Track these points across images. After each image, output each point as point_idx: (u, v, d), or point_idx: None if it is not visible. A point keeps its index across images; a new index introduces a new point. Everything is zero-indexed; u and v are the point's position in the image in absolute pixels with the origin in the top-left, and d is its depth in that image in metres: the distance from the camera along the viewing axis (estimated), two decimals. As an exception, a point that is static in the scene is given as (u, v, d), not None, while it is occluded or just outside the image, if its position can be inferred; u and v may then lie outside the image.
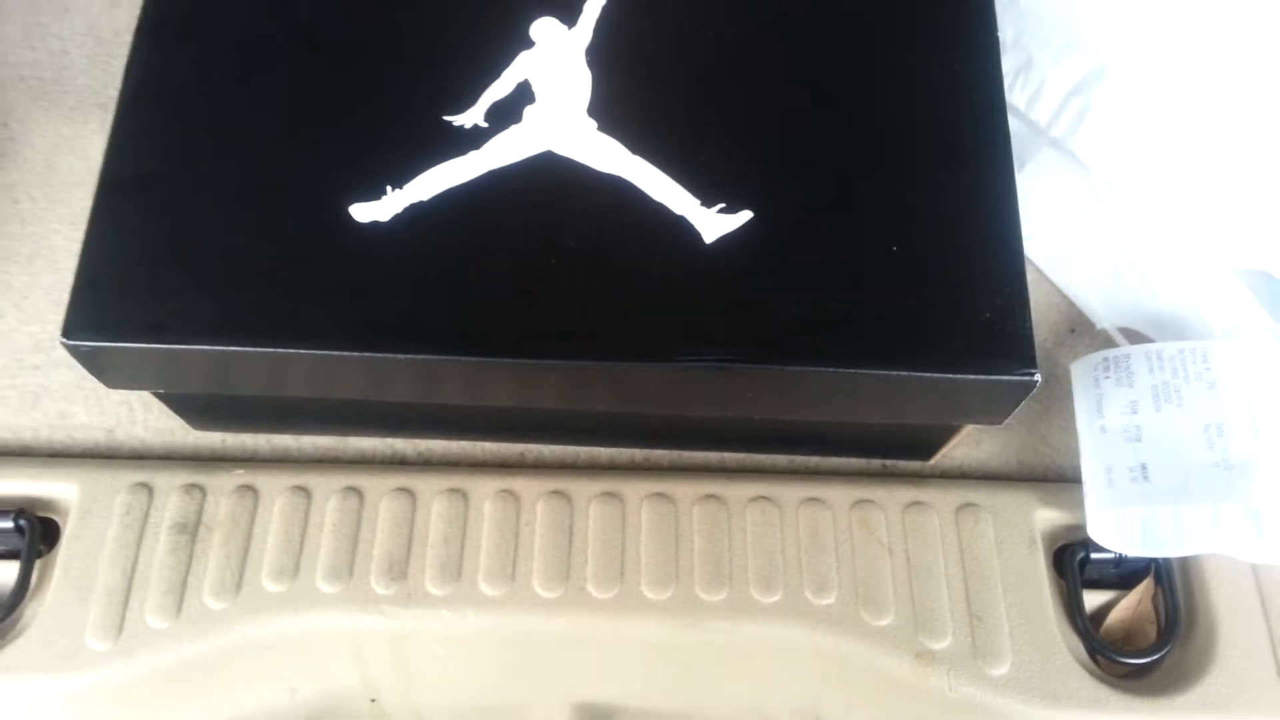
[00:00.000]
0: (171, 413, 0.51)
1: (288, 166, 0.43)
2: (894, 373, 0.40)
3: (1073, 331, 0.54)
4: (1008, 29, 0.52)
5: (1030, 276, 0.54)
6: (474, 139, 0.43)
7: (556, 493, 0.49)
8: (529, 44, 0.45)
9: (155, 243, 0.41)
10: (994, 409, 0.42)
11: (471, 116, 0.44)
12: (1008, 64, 0.52)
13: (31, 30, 0.63)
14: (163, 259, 0.41)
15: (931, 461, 0.51)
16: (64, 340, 0.40)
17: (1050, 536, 0.49)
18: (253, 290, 0.41)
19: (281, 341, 0.40)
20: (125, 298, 0.40)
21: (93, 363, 0.42)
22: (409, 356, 0.41)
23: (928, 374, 0.40)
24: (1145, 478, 0.43)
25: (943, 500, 0.49)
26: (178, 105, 0.44)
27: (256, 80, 0.45)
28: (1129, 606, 0.48)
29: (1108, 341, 0.53)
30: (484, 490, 0.49)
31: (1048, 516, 0.49)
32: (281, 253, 0.41)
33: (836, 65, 0.45)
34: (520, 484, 0.49)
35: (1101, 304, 0.53)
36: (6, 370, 0.53)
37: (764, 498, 0.49)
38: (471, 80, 0.44)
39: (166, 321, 0.40)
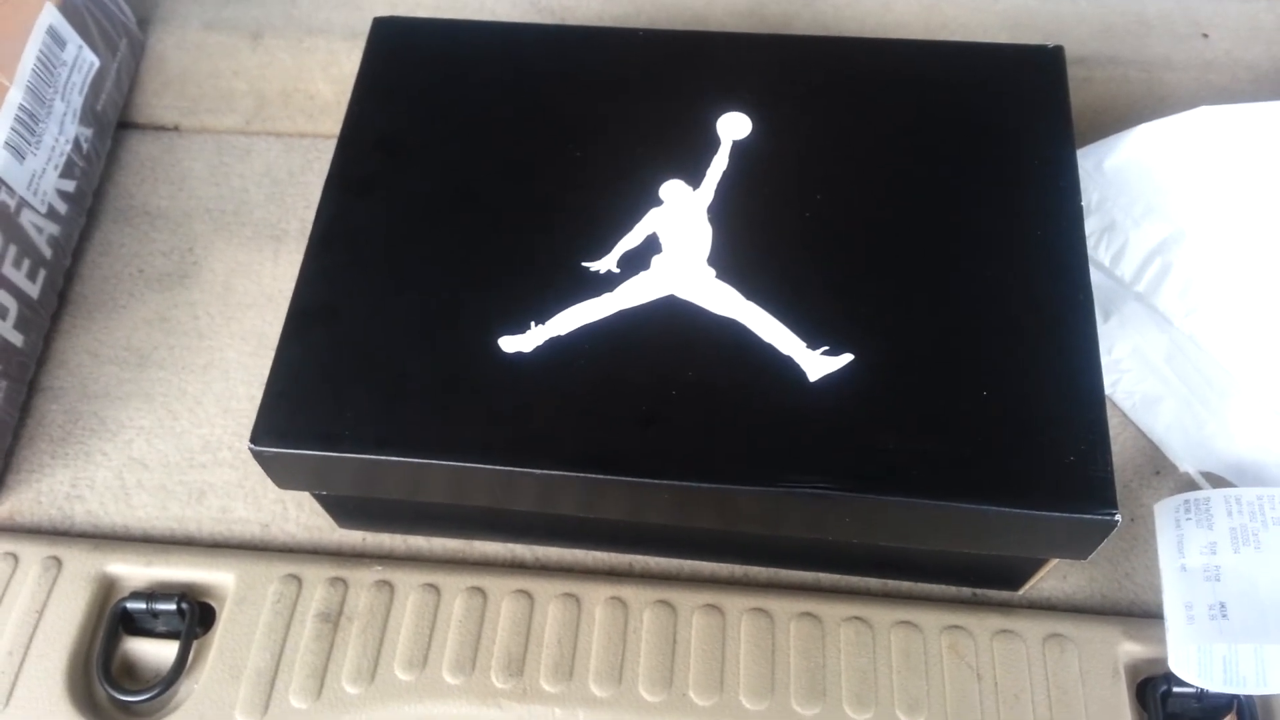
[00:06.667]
0: (321, 511, 0.56)
1: (448, 303, 0.48)
2: (983, 507, 0.43)
3: (1157, 473, 0.57)
4: (1092, 194, 0.56)
5: (1116, 420, 0.58)
6: (608, 283, 0.49)
7: (662, 602, 0.53)
8: (658, 202, 0.51)
9: (334, 365, 0.47)
10: (1078, 545, 0.45)
11: (606, 263, 0.49)
12: (1092, 224, 0.56)
13: (217, 169, 0.71)
14: (339, 379, 0.47)
15: (1020, 592, 0.53)
16: (251, 446, 0.46)
17: (1133, 669, 0.51)
18: (413, 408, 0.46)
19: (433, 454, 0.45)
20: (305, 411, 0.46)
21: (270, 465, 0.48)
22: (536, 471, 0.45)
23: (1015, 509, 0.43)
24: (1224, 616, 0.45)
25: (1030, 630, 0.51)
26: (358, 248, 0.50)
27: (424, 229, 0.51)
28: (1212, 743, 0.49)
29: (1190, 484, 0.55)
30: (595, 596, 0.53)
31: (1131, 650, 0.51)
32: (439, 377, 0.47)
33: (933, 225, 0.50)
34: (629, 592, 0.53)
35: (1184, 448, 0.55)
36: (178, 467, 0.60)
37: (858, 618, 0.52)
38: (607, 232, 0.50)
39: (339, 433, 0.46)
